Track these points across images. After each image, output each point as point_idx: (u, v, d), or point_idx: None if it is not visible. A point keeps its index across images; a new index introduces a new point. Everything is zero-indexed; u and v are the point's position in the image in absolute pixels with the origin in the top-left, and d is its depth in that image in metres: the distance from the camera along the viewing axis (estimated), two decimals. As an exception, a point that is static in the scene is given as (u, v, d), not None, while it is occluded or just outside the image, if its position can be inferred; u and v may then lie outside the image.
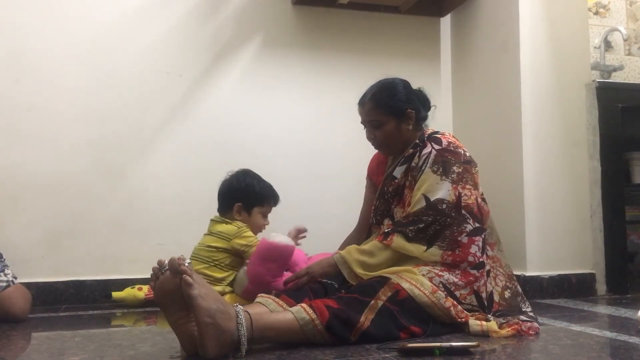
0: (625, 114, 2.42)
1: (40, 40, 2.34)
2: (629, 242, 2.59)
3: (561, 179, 2.36)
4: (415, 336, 1.48)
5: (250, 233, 1.90)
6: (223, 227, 1.90)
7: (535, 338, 1.55)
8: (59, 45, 2.35)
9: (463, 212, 1.67)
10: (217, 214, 2.00)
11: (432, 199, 1.67)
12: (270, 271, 1.83)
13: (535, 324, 1.60)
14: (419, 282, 1.55)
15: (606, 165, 2.39)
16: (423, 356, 1.32)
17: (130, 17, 2.45)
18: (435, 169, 1.72)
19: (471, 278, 1.62)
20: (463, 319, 1.56)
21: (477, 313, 1.60)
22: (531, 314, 1.66)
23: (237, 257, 1.91)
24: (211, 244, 1.89)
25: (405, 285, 1.54)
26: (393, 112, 1.82)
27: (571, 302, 2.20)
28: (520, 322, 1.58)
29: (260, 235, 1.95)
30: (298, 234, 2.09)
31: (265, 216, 2.01)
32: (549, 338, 1.55)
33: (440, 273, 1.60)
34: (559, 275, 2.31)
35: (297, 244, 2.02)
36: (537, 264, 2.30)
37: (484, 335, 1.52)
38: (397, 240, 1.66)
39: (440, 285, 1.57)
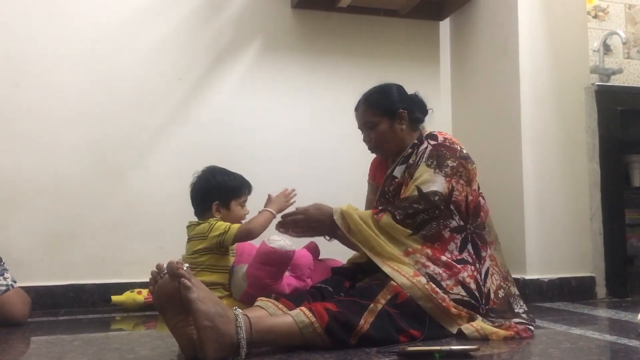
0: (624, 117, 2.43)
1: (40, 43, 2.34)
2: (628, 245, 2.58)
3: (561, 182, 2.36)
4: (414, 339, 1.48)
5: (221, 222, 1.87)
6: (198, 229, 1.88)
7: (529, 337, 1.55)
8: (58, 48, 2.36)
9: (451, 207, 1.68)
10: (194, 220, 1.98)
11: (425, 191, 1.68)
12: (269, 274, 1.83)
13: (529, 326, 1.60)
14: (403, 269, 1.58)
15: (606, 168, 2.39)
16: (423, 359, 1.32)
17: (130, 20, 2.45)
18: (429, 163, 1.73)
19: (455, 270, 1.62)
20: (453, 310, 1.54)
21: (468, 309, 1.59)
22: (524, 315, 1.66)
23: (220, 253, 1.88)
24: (193, 249, 1.87)
25: (386, 269, 1.58)
26: (385, 113, 1.86)
27: (571, 306, 2.20)
28: (514, 324, 1.58)
29: (265, 233, 1.91)
30: (287, 199, 1.96)
31: (243, 206, 1.99)
32: (549, 341, 1.54)
33: (426, 264, 1.61)
34: (558, 278, 2.31)
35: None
36: (537, 267, 2.29)
37: (484, 339, 1.52)
38: (386, 219, 1.67)
39: (426, 276, 1.58)
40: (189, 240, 1.91)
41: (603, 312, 2.06)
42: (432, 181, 1.69)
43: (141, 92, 2.44)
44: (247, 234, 1.83)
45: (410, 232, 1.65)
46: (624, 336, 1.59)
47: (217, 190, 1.92)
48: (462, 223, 1.69)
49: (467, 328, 1.53)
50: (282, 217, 1.81)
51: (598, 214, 2.39)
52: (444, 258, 1.63)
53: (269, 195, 1.95)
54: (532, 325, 1.63)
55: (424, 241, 1.65)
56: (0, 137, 2.28)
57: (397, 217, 1.66)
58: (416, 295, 1.53)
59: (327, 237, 1.84)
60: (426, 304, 1.53)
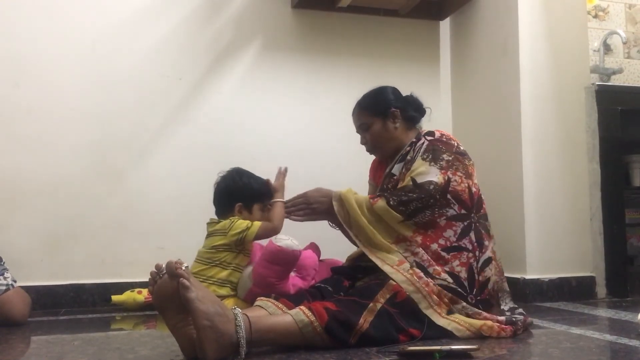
0: (624, 117, 2.43)
1: (40, 43, 2.34)
2: (628, 245, 2.58)
3: (561, 181, 2.36)
4: (413, 338, 1.48)
5: (242, 221, 1.89)
6: (219, 225, 1.90)
7: (508, 334, 1.55)
8: (58, 48, 2.36)
9: (448, 196, 1.69)
10: (214, 217, 1.99)
11: (419, 182, 1.70)
12: (275, 273, 1.83)
13: (509, 326, 1.58)
14: (389, 258, 1.61)
15: (606, 168, 2.39)
16: (423, 359, 1.32)
17: (130, 20, 2.45)
18: (425, 157, 1.76)
19: (441, 261, 1.63)
20: (434, 297, 1.55)
21: (453, 295, 1.59)
22: (508, 313, 1.66)
23: (239, 251, 1.89)
24: (213, 244, 1.89)
25: (372, 258, 1.62)
26: (378, 113, 1.89)
27: (571, 305, 2.19)
28: (497, 321, 1.58)
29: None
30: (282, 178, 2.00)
31: (264, 210, 2.01)
32: (549, 341, 1.54)
33: (415, 251, 1.63)
34: (559, 278, 2.31)
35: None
36: (537, 267, 2.29)
37: (476, 336, 1.52)
38: (380, 203, 1.69)
39: (413, 263, 1.60)
40: (209, 235, 1.93)
41: (603, 312, 2.06)
42: (427, 172, 1.71)
43: (141, 92, 2.44)
44: (271, 231, 1.87)
45: (402, 218, 1.67)
46: (624, 336, 1.59)
47: (242, 192, 1.94)
48: (464, 212, 1.70)
49: (458, 329, 1.53)
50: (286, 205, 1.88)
51: (598, 214, 2.39)
52: (434, 246, 1.64)
53: (269, 183, 1.99)
54: (519, 320, 1.61)
55: (416, 228, 1.67)
56: (0, 137, 2.28)
57: (391, 203, 1.68)
58: (399, 280, 1.55)
59: (332, 224, 1.85)
60: (408, 287, 1.54)
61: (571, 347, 1.46)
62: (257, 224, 1.87)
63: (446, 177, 1.70)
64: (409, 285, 1.55)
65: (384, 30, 2.76)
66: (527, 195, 2.30)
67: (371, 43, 2.74)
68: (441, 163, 1.73)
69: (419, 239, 1.65)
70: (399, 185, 1.80)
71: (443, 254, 1.63)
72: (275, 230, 1.87)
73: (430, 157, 1.75)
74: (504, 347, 1.48)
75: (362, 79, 2.60)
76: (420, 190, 1.68)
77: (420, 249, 1.63)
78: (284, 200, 1.91)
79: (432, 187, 1.68)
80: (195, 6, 2.53)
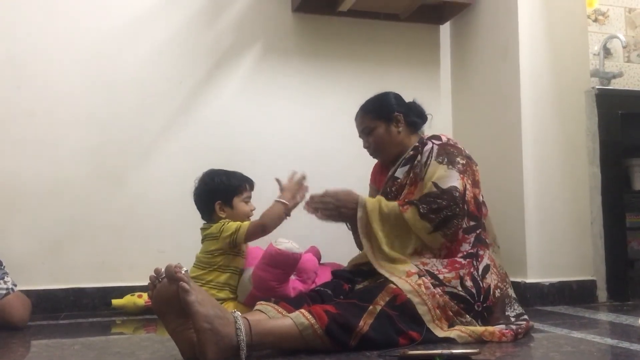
0: (624, 121, 2.43)
1: (42, 46, 2.35)
2: (629, 248, 2.57)
3: (561, 185, 2.36)
4: (413, 341, 1.48)
5: (233, 223, 1.88)
6: (211, 229, 1.91)
7: (509, 338, 1.55)
8: (60, 51, 2.36)
9: (465, 206, 1.70)
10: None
11: (444, 187, 1.70)
12: (275, 276, 1.83)
13: (508, 331, 1.57)
14: (398, 269, 1.61)
15: (606, 171, 2.39)
16: (423, 363, 1.32)
17: (132, 24, 2.46)
18: (440, 160, 1.76)
19: (457, 265, 1.63)
20: (438, 311, 1.53)
21: (461, 304, 1.59)
22: (513, 319, 1.66)
23: (232, 253, 1.90)
24: (208, 249, 1.90)
25: (382, 271, 1.62)
26: (381, 117, 1.91)
27: (572, 309, 2.19)
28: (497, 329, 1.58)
29: (270, 237, 1.90)
30: (299, 186, 1.92)
31: (247, 202, 2.00)
32: (550, 345, 1.54)
33: (426, 261, 1.64)
34: (559, 282, 2.31)
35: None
36: (538, 271, 2.29)
37: (477, 341, 1.52)
38: (411, 212, 1.69)
39: (424, 272, 1.60)
40: (203, 239, 1.94)
41: (604, 316, 2.06)
42: (448, 176, 1.72)
43: (142, 95, 2.44)
44: (261, 229, 1.84)
45: (432, 228, 1.67)
46: (625, 340, 1.59)
47: (217, 191, 1.95)
48: (472, 223, 1.71)
49: (460, 336, 1.52)
50: (310, 197, 1.81)
51: (599, 218, 2.38)
52: (453, 259, 1.65)
53: (278, 181, 1.93)
54: (520, 327, 1.61)
55: (444, 241, 1.68)
56: (1, 139, 2.28)
57: (422, 211, 1.68)
58: (405, 289, 1.54)
59: (349, 226, 1.84)
60: (414, 299, 1.54)
61: (572, 351, 1.46)
62: (246, 223, 1.87)
63: (464, 184, 1.71)
64: (415, 296, 1.54)
65: (384, 35, 2.76)
66: (527, 199, 2.30)
67: (372, 47, 2.74)
68: (458, 166, 1.74)
69: (444, 252, 1.67)
70: (408, 193, 1.80)
71: (456, 264, 1.64)
72: (264, 228, 1.83)
73: (446, 160, 1.76)
74: (505, 351, 1.47)
75: (362, 83, 2.61)
76: (447, 196, 1.68)
77: (434, 259, 1.65)
78: (287, 203, 1.85)
79: (457, 194, 1.69)
80: (196, 10, 2.54)
